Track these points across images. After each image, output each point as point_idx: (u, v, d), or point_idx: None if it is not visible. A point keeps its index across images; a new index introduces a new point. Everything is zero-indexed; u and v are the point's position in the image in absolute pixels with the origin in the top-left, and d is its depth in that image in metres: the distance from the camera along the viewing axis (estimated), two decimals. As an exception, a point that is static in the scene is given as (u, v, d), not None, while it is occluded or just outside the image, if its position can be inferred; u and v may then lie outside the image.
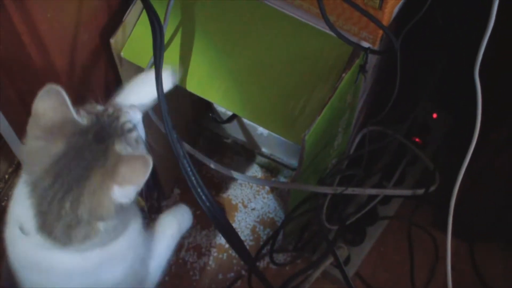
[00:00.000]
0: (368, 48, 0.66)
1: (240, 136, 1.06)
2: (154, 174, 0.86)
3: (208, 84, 0.74)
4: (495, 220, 1.02)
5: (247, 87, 0.74)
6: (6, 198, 1.07)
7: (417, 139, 1.13)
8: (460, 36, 0.84)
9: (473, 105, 0.69)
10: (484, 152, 0.83)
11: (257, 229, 1.08)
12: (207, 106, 1.04)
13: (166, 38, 0.73)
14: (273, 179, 1.12)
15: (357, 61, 0.70)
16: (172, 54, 0.74)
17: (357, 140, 0.96)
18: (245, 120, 1.01)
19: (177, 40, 0.75)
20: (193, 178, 0.67)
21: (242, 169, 1.12)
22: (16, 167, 1.04)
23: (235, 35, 0.74)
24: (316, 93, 0.72)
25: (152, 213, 1.02)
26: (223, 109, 1.01)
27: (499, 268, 1.06)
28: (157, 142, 0.67)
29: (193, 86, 0.74)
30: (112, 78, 0.80)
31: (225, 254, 1.06)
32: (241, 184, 1.10)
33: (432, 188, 0.88)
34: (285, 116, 0.72)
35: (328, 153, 0.86)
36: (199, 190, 0.68)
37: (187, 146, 0.71)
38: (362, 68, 0.68)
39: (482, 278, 1.05)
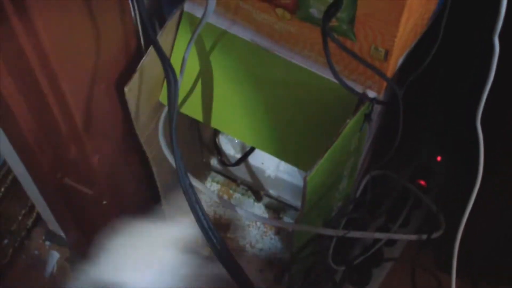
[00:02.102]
0: (374, 99, 0.69)
1: (248, 178, 1.09)
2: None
3: (225, 122, 0.81)
4: (499, 261, 1.03)
5: (261, 124, 0.79)
6: (18, 239, 1.10)
7: (421, 182, 1.15)
8: (461, 85, 0.87)
9: (476, 151, 0.72)
10: (487, 195, 0.86)
11: (264, 270, 1.09)
12: (215, 149, 1.07)
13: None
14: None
15: (362, 109, 0.72)
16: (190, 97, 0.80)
17: (362, 184, 0.98)
18: (253, 163, 1.04)
19: (193, 86, 0.79)
20: (204, 221, 0.69)
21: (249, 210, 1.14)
22: (29, 209, 1.07)
23: (250, 80, 0.78)
24: (322, 138, 0.74)
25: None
26: (232, 152, 1.05)
27: (503, 308, 1.07)
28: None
29: (215, 123, 0.82)
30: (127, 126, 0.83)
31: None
32: (248, 225, 1.12)
33: (436, 235, 0.90)
34: (296, 149, 0.77)
35: (333, 196, 0.89)
36: (209, 233, 0.70)
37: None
38: (367, 117, 0.71)
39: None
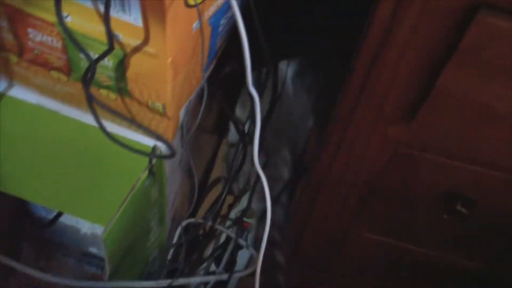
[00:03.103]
0: (150, 154, 0.71)
1: (66, 238, 1.06)
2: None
3: (25, 188, 0.77)
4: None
5: (60, 185, 0.77)
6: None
7: (245, 223, 1.19)
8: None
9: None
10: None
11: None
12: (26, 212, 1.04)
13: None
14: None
15: (147, 165, 0.74)
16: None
17: (178, 231, 1.00)
18: (67, 222, 1.02)
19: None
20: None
21: (72, 271, 1.11)
22: None
23: (42, 144, 0.77)
24: (120, 193, 0.75)
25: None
26: (43, 214, 1.02)
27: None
28: None
29: (16, 191, 0.77)
30: None
31: None
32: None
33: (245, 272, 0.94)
34: (97, 206, 0.76)
35: (144, 246, 0.89)
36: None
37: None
38: (150, 172, 0.73)
39: None
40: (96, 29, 0.61)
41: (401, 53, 0.61)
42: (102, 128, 0.63)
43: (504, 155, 0.68)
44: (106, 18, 0.53)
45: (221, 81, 0.86)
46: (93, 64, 0.57)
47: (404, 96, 0.66)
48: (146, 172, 0.73)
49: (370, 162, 0.75)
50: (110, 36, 0.55)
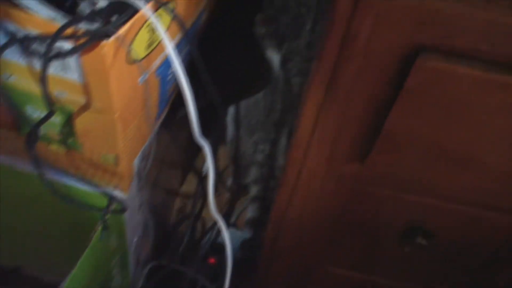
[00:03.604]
0: (104, 210, 0.70)
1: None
2: None
3: None
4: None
5: (15, 242, 0.76)
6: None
7: (211, 260, 1.18)
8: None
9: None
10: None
11: None
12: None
13: None
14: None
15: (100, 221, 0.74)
16: None
17: (144, 274, 0.99)
18: (29, 273, 1.00)
19: None
20: None
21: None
22: None
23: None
24: (80, 246, 0.74)
25: None
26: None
27: None
28: None
29: None
30: None
31: None
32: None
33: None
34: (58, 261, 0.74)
35: (108, 294, 0.88)
36: None
37: None
38: (104, 227, 0.72)
39: None
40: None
41: (348, 97, 0.61)
42: (50, 189, 0.62)
43: (457, 188, 0.69)
44: (43, 83, 0.52)
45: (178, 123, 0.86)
46: (35, 128, 0.56)
47: (355, 137, 0.66)
48: (100, 228, 0.72)
49: (329, 201, 0.75)
50: (49, 100, 0.54)
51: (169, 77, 0.69)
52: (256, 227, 1.15)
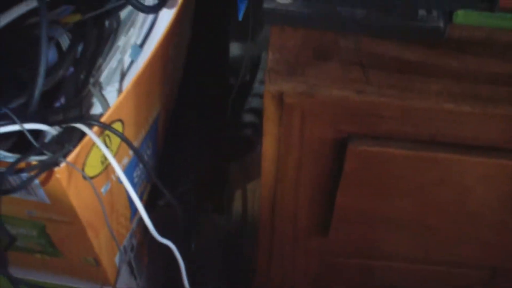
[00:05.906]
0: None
1: None
2: None
3: None
4: None
5: None
6: None
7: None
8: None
9: None
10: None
11: None
12: None
13: None
14: None
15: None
16: None
17: None
18: None
19: None
20: None
21: None
22: None
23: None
24: None
25: None
26: None
27: None
28: None
29: None
30: None
31: None
32: None
33: None
34: None
35: None
36: None
37: None
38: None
39: None
40: (13, 209, 0.65)
41: (295, 183, 0.65)
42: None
43: (419, 250, 0.72)
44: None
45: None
46: (3, 251, 0.61)
47: (312, 216, 0.70)
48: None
49: (302, 271, 0.79)
50: (6, 232, 0.59)
51: (136, 180, 0.74)
52: None
